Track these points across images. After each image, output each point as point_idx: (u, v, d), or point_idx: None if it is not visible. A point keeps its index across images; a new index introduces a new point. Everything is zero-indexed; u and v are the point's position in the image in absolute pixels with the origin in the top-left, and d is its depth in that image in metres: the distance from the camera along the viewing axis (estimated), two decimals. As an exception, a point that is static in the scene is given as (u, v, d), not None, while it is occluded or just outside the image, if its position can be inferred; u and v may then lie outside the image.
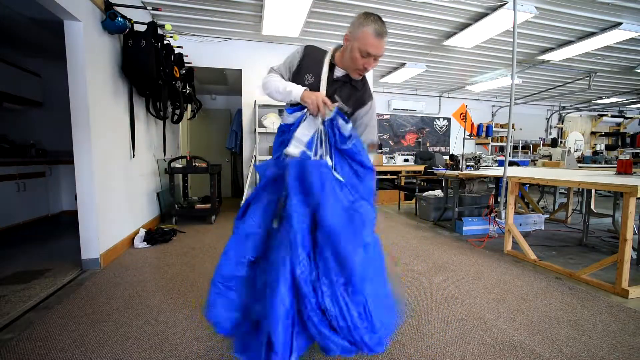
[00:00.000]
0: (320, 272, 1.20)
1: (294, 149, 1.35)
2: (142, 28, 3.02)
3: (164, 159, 4.22)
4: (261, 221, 1.34)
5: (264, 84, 1.48)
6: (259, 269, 1.32)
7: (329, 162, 1.35)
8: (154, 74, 2.98)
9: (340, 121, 1.36)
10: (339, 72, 1.46)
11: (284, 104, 1.53)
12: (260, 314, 1.21)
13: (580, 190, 4.11)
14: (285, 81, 1.46)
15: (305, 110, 1.39)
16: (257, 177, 4.79)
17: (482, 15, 3.74)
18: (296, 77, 1.46)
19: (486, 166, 4.22)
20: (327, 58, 1.44)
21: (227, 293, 1.32)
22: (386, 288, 1.35)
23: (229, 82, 5.81)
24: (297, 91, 1.38)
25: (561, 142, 7.31)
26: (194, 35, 4.42)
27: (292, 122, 1.42)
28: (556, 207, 4.73)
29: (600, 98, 7.81)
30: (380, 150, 1.48)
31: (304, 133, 1.36)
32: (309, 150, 1.34)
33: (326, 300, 1.17)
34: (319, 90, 1.40)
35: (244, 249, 1.33)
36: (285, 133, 1.46)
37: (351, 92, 1.46)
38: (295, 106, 1.44)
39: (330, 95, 1.42)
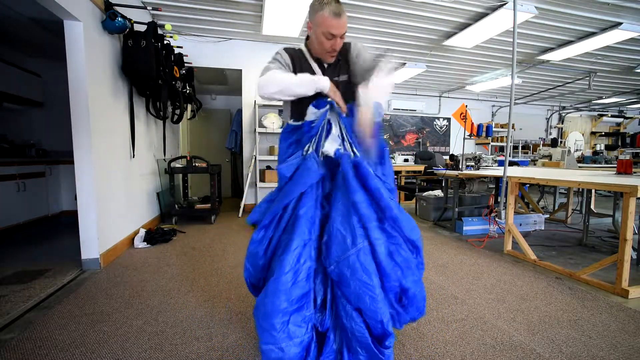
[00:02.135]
0: (394, 255, 1.26)
1: (330, 146, 1.33)
2: (142, 28, 3.02)
3: (164, 159, 4.22)
4: (313, 225, 1.27)
5: (268, 81, 1.32)
6: (315, 275, 1.26)
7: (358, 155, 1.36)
8: (153, 74, 2.98)
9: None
10: (325, 62, 1.49)
11: (281, 103, 1.51)
12: (335, 321, 1.21)
13: (580, 190, 4.11)
14: (300, 73, 1.37)
15: (328, 106, 1.36)
16: (258, 177, 4.78)
17: (482, 15, 3.74)
18: None
19: (486, 166, 4.22)
20: (307, 55, 1.47)
21: (295, 317, 1.16)
22: None
23: (229, 82, 5.81)
24: (325, 80, 1.33)
25: (561, 142, 7.31)
26: (194, 35, 4.42)
27: (314, 118, 1.38)
28: (556, 207, 4.73)
29: (600, 98, 7.81)
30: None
31: (336, 130, 1.36)
32: (341, 147, 1.34)
33: (407, 279, 1.26)
34: None
35: (310, 259, 1.22)
36: (297, 131, 1.41)
37: (341, 65, 1.50)
38: (316, 99, 1.40)
39: (335, 84, 1.43)
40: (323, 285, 1.27)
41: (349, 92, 1.43)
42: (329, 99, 1.36)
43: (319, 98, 1.38)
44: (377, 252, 1.18)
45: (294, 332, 1.14)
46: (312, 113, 1.37)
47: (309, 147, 1.35)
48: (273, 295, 1.14)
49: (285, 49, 1.48)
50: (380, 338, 1.12)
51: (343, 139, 1.37)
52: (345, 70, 1.50)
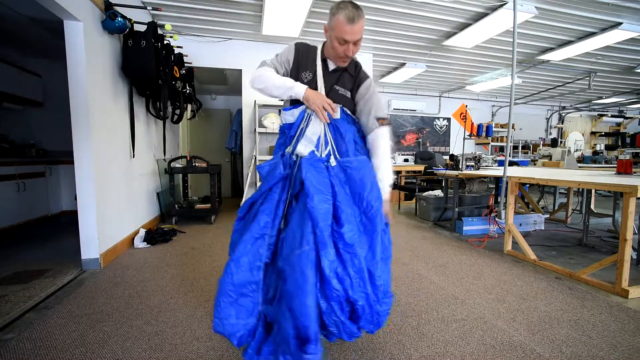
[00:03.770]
0: (346, 264, 1.23)
1: (303, 148, 1.34)
2: (142, 28, 3.01)
3: (164, 159, 4.22)
4: (273, 222, 1.33)
5: (256, 77, 1.40)
6: (271, 270, 1.32)
7: (333, 162, 1.37)
8: (154, 74, 2.98)
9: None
10: (332, 64, 1.46)
11: (282, 102, 1.52)
12: (277, 314, 1.22)
13: (580, 190, 4.11)
14: (283, 76, 1.42)
15: (305, 106, 1.39)
16: (258, 177, 4.79)
17: (482, 15, 3.74)
18: (293, 75, 1.45)
19: (486, 166, 4.22)
20: (318, 53, 1.46)
21: (242, 300, 1.27)
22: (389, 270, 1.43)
23: (229, 82, 5.81)
24: (299, 88, 1.36)
25: (561, 142, 7.31)
26: (194, 35, 4.42)
27: (293, 121, 1.42)
28: (556, 207, 4.73)
29: (600, 98, 7.81)
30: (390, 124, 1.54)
31: (313, 132, 1.37)
32: (317, 149, 1.36)
33: (355, 289, 1.22)
34: (317, 87, 1.41)
35: (258, 252, 1.30)
36: (285, 134, 1.46)
37: (349, 78, 1.48)
38: (292, 104, 1.44)
39: (330, 88, 1.43)
40: (275, 281, 1.30)
41: (346, 104, 1.46)
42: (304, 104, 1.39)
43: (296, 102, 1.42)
44: (322, 259, 1.17)
45: (237, 313, 1.25)
46: (288, 115, 1.43)
47: (289, 147, 1.41)
48: (223, 276, 1.27)
49: (297, 44, 1.48)
50: (304, 341, 1.12)
51: (326, 142, 1.38)
52: (349, 87, 1.48)
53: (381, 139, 1.44)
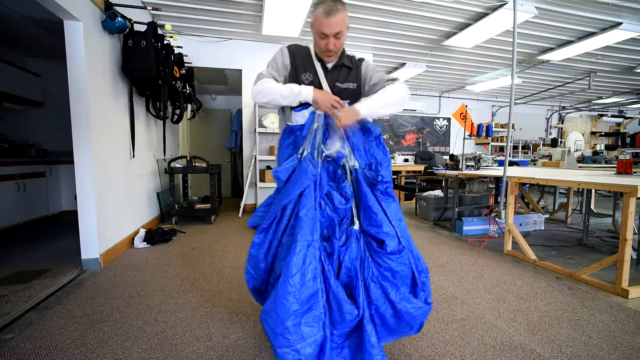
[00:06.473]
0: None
1: (332, 147, 1.36)
2: (142, 28, 3.02)
3: (164, 159, 4.22)
4: (314, 225, 1.26)
5: (259, 91, 1.39)
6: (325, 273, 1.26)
7: (356, 161, 1.40)
8: (154, 74, 2.98)
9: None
10: (330, 63, 1.48)
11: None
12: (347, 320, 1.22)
13: (580, 190, 4.11)
14: (288, 84, 1.41)
15: (311, 108, 1.39)
16: (258, 177, 4.78)
17: (482, 15, 3.74)
18: (292, 78, 1.45)
19: (486, 166, 4.21)
20: (313, 53, 1.47)
21: (307, 317, 1.16)
22: None
23: (229, 82, 5.81)
24: (307, 92, 1.36)
25: (561, 142, 7.31)
26: (194, 35, 4.42)
27: (304, 122, 1.40)
28: (556, 207, 4.73)
29: (600, 98, 7.80)
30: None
31: (334, 131, 1.38)
32: (342, 148, 1.37)
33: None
34: (320, 87, 1.42)
35: (315, 259, 1.21)
36: (294, 134, 1.43)
37: (348, 71, 1.50)
38: (302, 105, 1.42)
39: (333, 85, 1.45)
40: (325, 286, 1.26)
41: (353, 99, 1.47)
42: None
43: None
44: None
45: (307, 332, 1.14)
46: (299, 117, 1.41)
47: (303, 149, 1.37)
48: (283, 298, 1.13)
49: (289, 47, 1.48)
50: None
51: (343, 140, 1.39)
52: (352, 79, 1.49)
53: (392, 86, 1.43)
